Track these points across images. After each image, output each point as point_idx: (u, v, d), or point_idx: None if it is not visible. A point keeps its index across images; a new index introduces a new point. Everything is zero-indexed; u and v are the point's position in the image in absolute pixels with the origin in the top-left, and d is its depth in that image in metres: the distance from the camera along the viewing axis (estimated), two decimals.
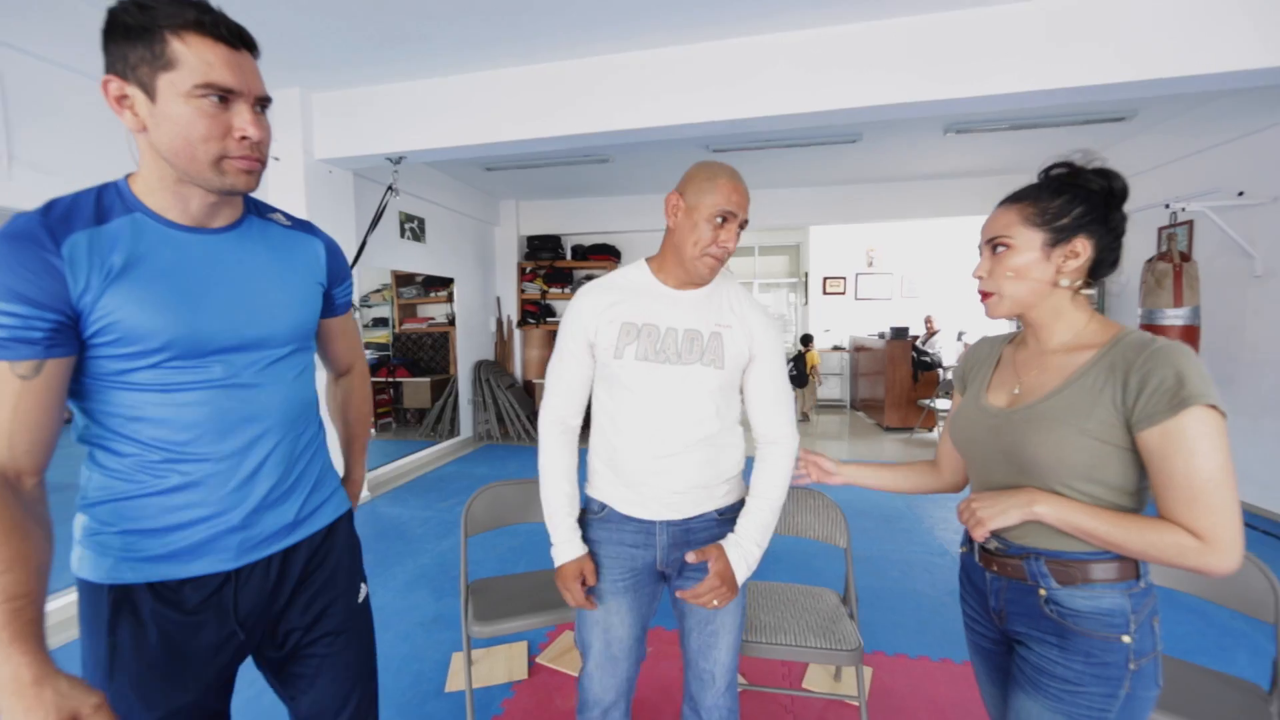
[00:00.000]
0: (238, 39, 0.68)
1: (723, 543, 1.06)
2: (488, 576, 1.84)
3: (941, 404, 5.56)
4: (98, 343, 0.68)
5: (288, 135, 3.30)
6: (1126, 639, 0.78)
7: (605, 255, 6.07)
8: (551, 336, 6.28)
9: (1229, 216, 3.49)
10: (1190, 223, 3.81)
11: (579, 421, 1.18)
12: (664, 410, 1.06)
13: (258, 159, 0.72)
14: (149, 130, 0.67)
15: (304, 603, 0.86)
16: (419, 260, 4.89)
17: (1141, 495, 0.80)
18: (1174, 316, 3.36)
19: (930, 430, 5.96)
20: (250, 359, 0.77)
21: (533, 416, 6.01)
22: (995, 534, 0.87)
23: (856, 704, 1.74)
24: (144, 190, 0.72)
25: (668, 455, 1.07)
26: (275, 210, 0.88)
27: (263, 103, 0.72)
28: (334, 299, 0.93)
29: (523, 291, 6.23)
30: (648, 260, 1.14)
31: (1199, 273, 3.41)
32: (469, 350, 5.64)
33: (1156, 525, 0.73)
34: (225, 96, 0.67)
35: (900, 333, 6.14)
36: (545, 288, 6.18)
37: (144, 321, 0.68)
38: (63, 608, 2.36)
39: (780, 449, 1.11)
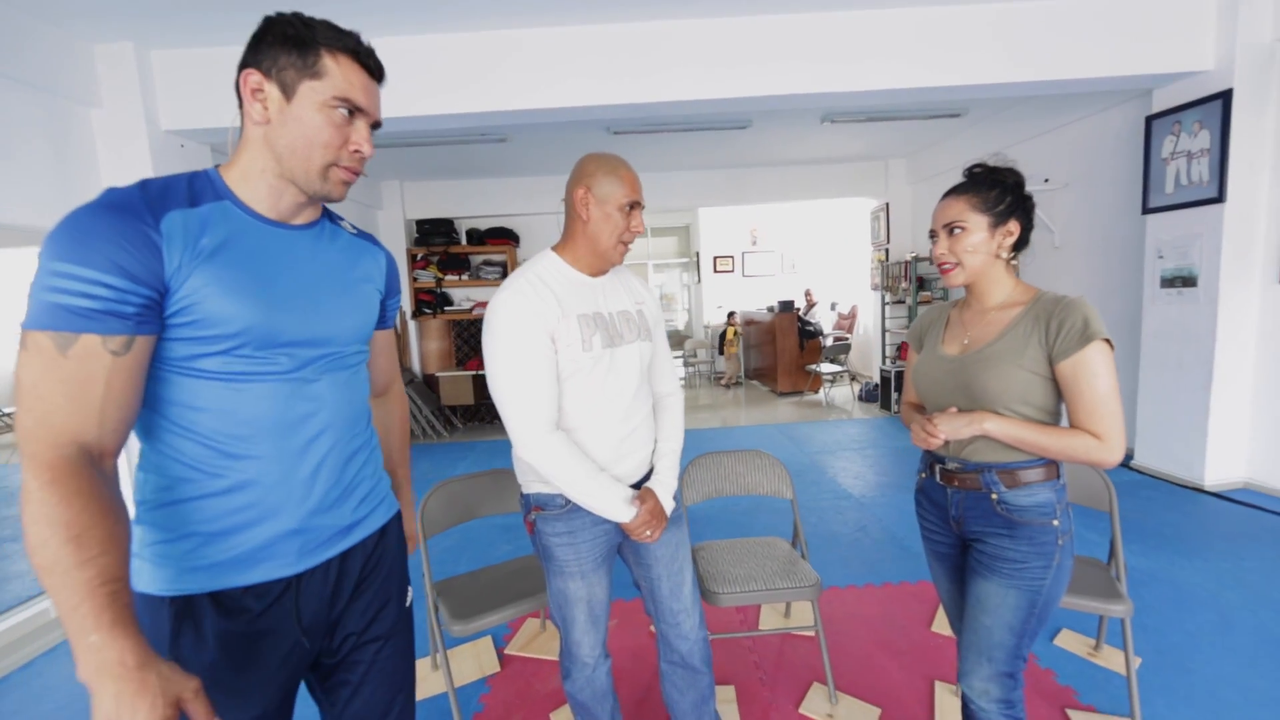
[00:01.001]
0: (378, 72, 0.76)
1: (649, 485, 1.20)
2: (438, 580, 1.79)
3: (826, 368, 6.21)
4: (175, 324, 0.67)
5: (121, 101, 2.76)
6: (1055, 523, 1.03)
7: (503, 239, 5.86)
8: (452, 326, 5.96)
9: (1037, 199, 4.28)
10: None
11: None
12: (628, 391, 1.17)
13: (356, 172, 0.77)
14: (273, 124, 0.71)
15: (360, 608, 0.85)
16: None
17: (1057, 415, 1.05)
18: None
19: (816, 393, 6.64)
20: (314, 354, 0.77)
21: (438, 411, 5.69)
22: (955, 456, 1.08)
23: (810, 634, 1.97)
24: (237, 180, 0.73)
25: (628, 434, 1.17)
26: (343, 219, 0.90)
27: (376, 125, 0.78)
28: (385, 310, 0.94)
29: (415, 280, 5.82)
30: (556, 252, 1.16)
31: None
32: None
33: (1070, 432, 0.99)
34: (353, 112, 0.73)
35: (787, 306, 6.72)
36: (440, 275, 5.82)
37: (224, 307, 0.68)
38: (8, 630, 2.14)
39: (675, 399, 1.33)
